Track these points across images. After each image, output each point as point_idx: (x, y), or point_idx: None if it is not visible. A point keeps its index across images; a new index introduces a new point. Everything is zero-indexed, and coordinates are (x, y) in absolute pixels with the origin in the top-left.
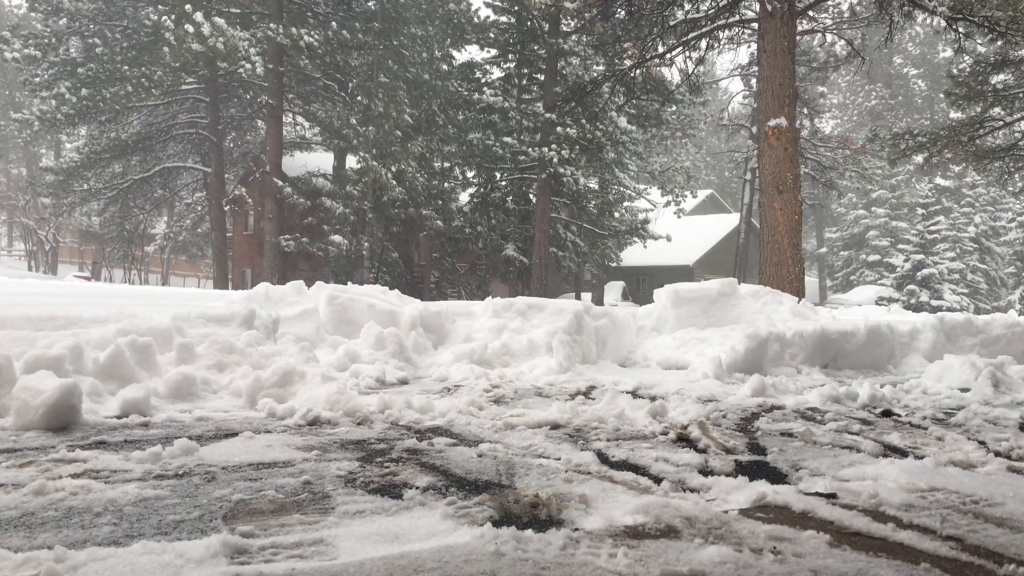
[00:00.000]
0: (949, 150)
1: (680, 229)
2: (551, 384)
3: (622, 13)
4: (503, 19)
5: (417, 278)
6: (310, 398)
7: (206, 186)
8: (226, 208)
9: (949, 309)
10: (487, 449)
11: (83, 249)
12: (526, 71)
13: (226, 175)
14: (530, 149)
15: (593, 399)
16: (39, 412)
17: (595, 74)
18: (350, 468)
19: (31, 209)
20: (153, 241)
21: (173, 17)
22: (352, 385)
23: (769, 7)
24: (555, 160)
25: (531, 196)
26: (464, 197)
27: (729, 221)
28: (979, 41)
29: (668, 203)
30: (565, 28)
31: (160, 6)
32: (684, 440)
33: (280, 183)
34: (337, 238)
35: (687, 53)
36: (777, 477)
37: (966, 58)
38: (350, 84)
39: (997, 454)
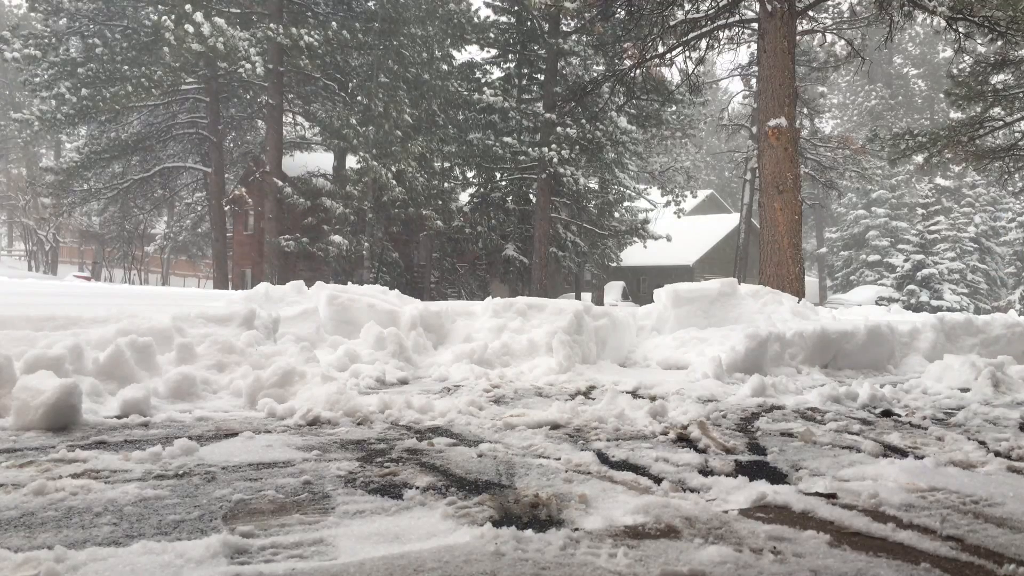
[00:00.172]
0: (949, 150)
1: (680, 229)
2: (551, 384)
3: (622, 13)
4: (503, 19)
5: (417, 278)
6: (310, 398)
7: (206, 186)
8: (226, 208)
9: (949, 309)
10: (487, 449)
11: (83, 249)
12: (526, 71)
13: (226, 175)
14: (530, 149)
15: (593, 399)
16: (39, 412)
17: (595, 74)
18: (350, 468)
19: (31, 209)
20: (153, 241)
21: (173, 17)
22: (352, 385)
23: (769, 7)
24: (555, 160)
25: (531, 196)
26: (464, 197)
27: (729, 221)
28: (979, 41)
29: (668, 203)
30: (565, 28)
31: (160, 6)
32: (684, 440)
33: (280, 183)
34: (337, 238)
35: (687, 53)
36: (777, 477)
37: (966, 58)
38: (350, 84)
39: (997, 454)
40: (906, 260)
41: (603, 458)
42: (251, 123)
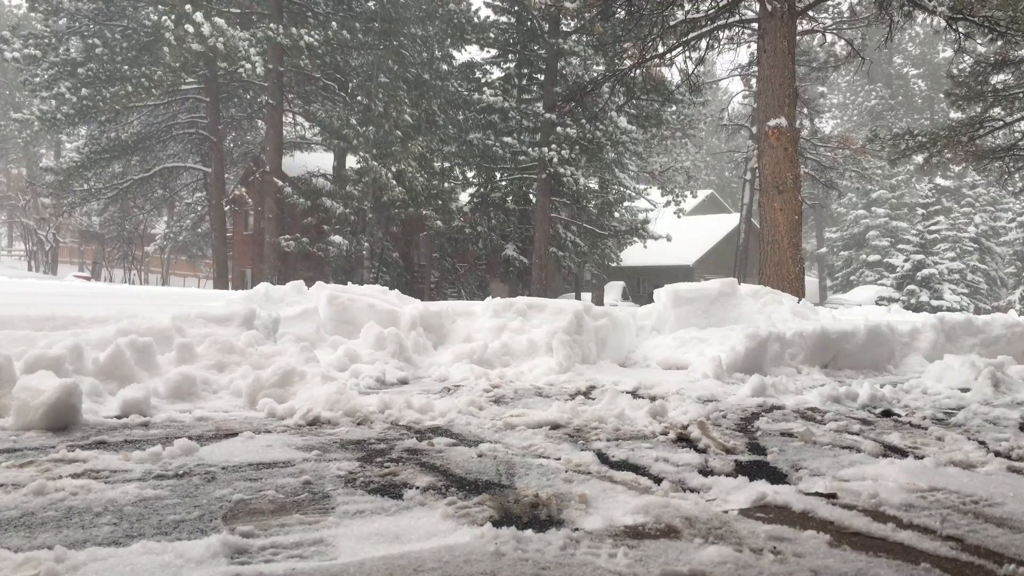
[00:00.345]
0: (949, 150)
1: (680, 229)
2: (551, 384)
3: (622, 13)
4: (503, 19)
5: (417, 278)
6: (310, 398)
7: (206, 186)
8: (226, 208)
9: (949, 309)
10: (487, 449)
11: (83, 249)
12: (526, 71)
13: (226, 175)
14: (530, 149)
15: (593, 399)
16: (39, 412)
17: (595, 74)
18: (350, 468)
19: (31, 209)
20: (153, 241)
21: (173, 17)
22: (352, 385)
23: (769, 7)
24: (555, 160)
25: (531, 196)
26: (464, 197)
27: (729, 221)
28: (979, 41)
29: (668, 203)
30: (565, 28)
31: (160, 6)
32: (684, 440)
33: (280, 183)
34: (337, 238)
35: (687, 53)
36: (777, 477)
37: (966, 58)
38: (350, 84)
39: (997, 454)
40: (906, 260)
41: (603, 458)
42: (251, 123)
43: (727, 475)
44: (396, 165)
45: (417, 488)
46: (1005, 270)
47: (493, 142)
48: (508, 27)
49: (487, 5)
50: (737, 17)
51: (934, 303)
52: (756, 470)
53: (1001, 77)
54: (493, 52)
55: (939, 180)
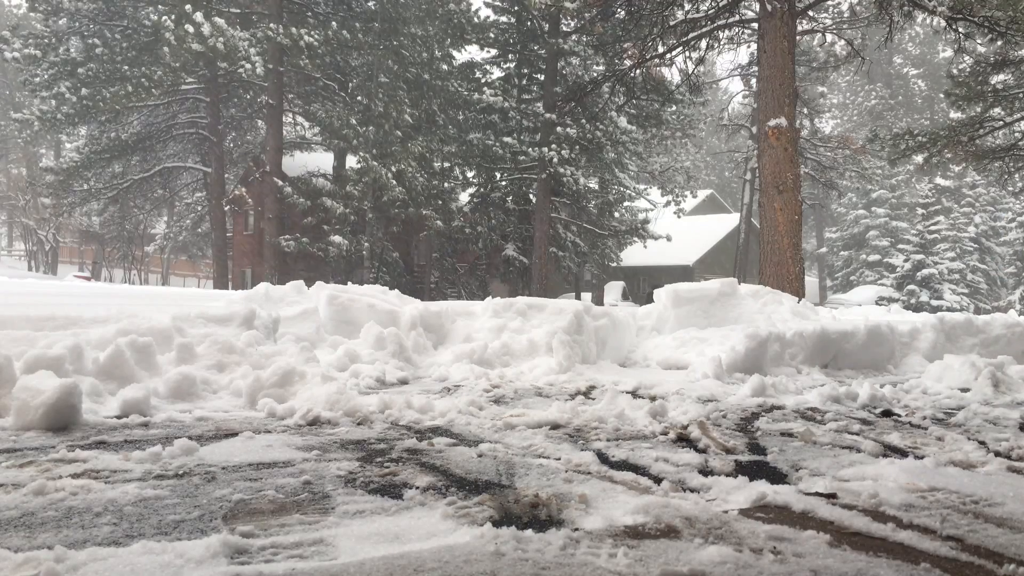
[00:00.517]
0: (949, 150)
1: (680, 229)
2: (551, 384)
3: (622, 13)
4: (503, 19)
5: (417, 278)
6: (310, 398)
7: (206, 186)
8: (226, 208)
9: (949, 309)
10: (487, 449)
11: (83, 249)
12: (526, 71)
13: (226, 175)
14: (530, 149)
15: (593, 399)
16: (39, 412)
17: (595, 74)
18: (350, 468)
19: (31, 209)
20: (153, 241)
21: (173, 17)
22: (352, 385)
23: (769, 7)
24: (555, 160)
25: (531, 196)
26: (464, 197)
27: (729, 221)
28: (979, 41)
29: (668, 203)
30: (565, 28)
31: (160, 6)
32: (684, 440)
33: (280, 183)
34: (337, 238)
35: (687, 53)
36: (777, 477)
37: (966, 58)
38: (350, 84)
39: (997, 454)
40: (906, 260)
41: (603, 458)
42: (251, 123)
43: (727, 475)
44: (396, 165)
45: (417, 488)
46: (1005, 270)
47: (493, 142)
48: (508, 27)
49: (487, 5)
50: (737, 17)
51: (934, 303)
52: (756, 470)
53: (1001, 77)
54: (493, 52)
55: (939, 180)
